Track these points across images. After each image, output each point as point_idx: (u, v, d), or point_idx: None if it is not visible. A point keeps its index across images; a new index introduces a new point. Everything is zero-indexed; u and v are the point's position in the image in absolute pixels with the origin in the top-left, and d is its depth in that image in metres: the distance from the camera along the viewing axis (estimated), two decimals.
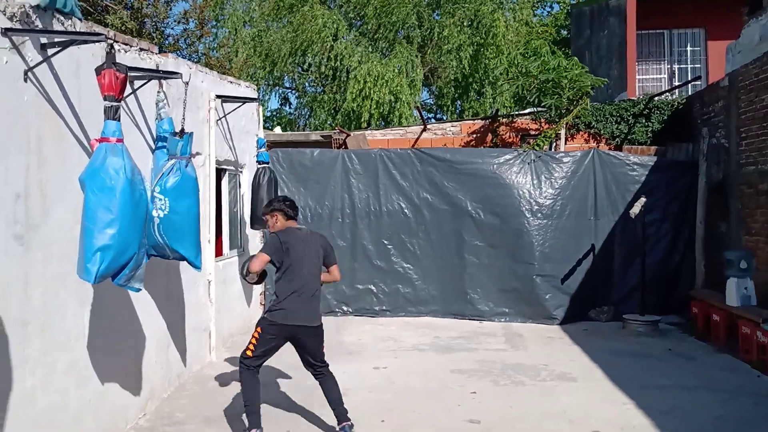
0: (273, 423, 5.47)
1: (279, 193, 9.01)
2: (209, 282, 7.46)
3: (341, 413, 5.13)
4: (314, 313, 5.13)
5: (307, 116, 21.92)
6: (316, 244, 5.25)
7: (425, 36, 19.56)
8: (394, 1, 18.50)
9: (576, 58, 11.92)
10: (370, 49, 18.82)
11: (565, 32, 21.95)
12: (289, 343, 5.15)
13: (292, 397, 6.18)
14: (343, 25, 19.04)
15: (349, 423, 5.10)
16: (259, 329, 5.07)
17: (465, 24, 18.81)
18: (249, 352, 5.06)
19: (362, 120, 17.91)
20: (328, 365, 5.25)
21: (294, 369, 6.18)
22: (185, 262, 5.63)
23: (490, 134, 12.55)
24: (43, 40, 4.21)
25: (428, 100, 22.44)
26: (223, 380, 6.75)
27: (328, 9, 19.42)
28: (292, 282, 5.01)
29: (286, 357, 5.68)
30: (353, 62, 18.10)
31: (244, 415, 5.10)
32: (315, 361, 5.18)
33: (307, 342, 5.11)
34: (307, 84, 21.35)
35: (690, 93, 13.08)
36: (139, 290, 4.53)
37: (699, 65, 15.29)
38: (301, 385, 6.29)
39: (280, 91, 22.88)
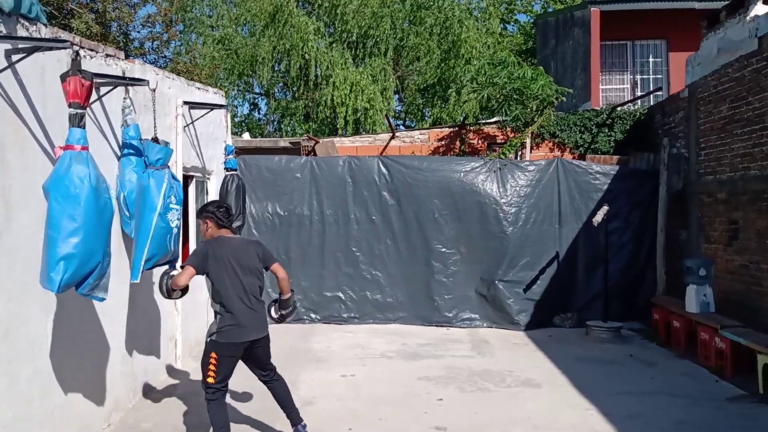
0: None
1: (247, 200, 8.97)
2: None
3: (295, 416, 5.11)
4: (263, 323, 4.96)
5: (275, 122, 21.87)
6: (251, 251, 4.97)
7: (397, 45, 19.72)
8: (368, 10, 18.66)
9: (541, 68, 12.11)
10: (347, 56, 18.94)
11: (531, 42, 22.25)
12: None
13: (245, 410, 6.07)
14: (319, 31, 19.09)
15: (302, 423, 5.10)
16: (213, 354, 4.74)
17: (434, 32, 19.03)
18: (211, 380, 4.75)
19: (338, 126, 18.00)
20: (275, 369, 5.16)
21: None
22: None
23: (457, 142, 12.67)
24: (8, 46, 4.14)
25: (397, 107, 22.63)
26: (189, 389, 6.67)
27: (306, 16, 19.47)
28: (233, 296, 4.75)
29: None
30: (331, 69, 18.18)
31: None
32: (264, 370, 5.09)
33: (258, 352, 4.96)
34: (276, 90, 21.32)
35: (652, 103, 13.37)
36: (103, 299, 4.47)
37: (660, 76, 15.63)
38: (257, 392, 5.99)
39: (250, 96, 22.81)
